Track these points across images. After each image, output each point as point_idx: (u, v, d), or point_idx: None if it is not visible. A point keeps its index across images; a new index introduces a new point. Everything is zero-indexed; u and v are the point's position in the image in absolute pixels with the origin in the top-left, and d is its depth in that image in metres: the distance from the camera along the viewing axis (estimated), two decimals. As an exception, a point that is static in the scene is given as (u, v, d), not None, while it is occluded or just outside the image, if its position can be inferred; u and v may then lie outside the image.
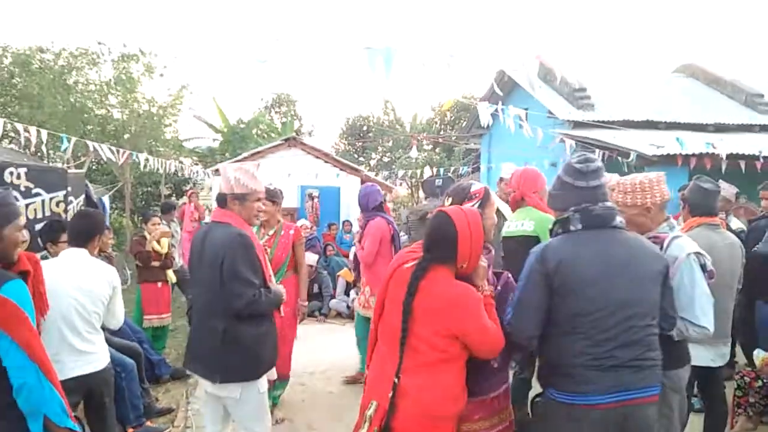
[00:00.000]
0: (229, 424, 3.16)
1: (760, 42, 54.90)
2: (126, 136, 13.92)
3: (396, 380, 2.24)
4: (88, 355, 3.06)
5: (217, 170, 12.63)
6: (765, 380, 3.95)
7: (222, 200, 2.98)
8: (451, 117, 27.04)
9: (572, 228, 2.25)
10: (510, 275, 2.63)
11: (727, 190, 5.04)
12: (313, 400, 4.87)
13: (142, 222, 6.74)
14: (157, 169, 11.94)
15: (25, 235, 2.24)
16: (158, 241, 6.01)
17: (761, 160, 8.45)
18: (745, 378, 4.02)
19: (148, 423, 4.27)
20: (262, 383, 2.95)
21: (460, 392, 2.28)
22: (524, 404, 3.82)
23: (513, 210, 4.10)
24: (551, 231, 2.36)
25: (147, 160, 10.38)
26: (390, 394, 2.22)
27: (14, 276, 2.03)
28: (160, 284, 5.87)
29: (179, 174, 14.84)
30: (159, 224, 6.22)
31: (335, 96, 55.96)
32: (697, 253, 2.60)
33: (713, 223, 3.42)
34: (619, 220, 2.29)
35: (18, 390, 1.97)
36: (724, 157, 8.07)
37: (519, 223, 3.82)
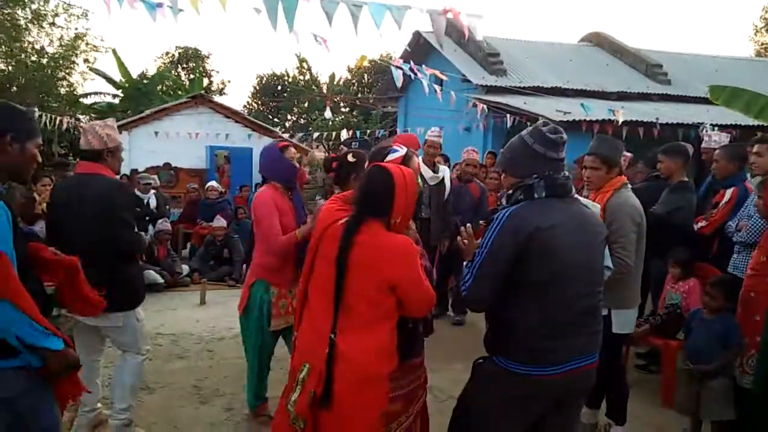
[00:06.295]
0: (102, 354, 3.56)
1: (660, 16, 58.24)
2: (13, 89, 12.72)
3: (332, 339, 2.19)
4: None
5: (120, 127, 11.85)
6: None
7: (96, 155, 3.19)
8: (368, 79, 26.76)
9: (536, 195, 2.19)
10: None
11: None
12: (221, 366, 4.73)
13: (32, 182, 6.20)
14: (48, 126, 11.02)
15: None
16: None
17: (657, 127, 8.97)
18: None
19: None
20: (139, 312, 3.35)
21: (393, 352, 2.29)
22: None
23: None
24: (509, 197, 2.28)
25: (34, 113, 9.52)
26: (326, 355, 2.19)
27: None
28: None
29: (75, 132, 13.80)
30: (50, 185, 5.75)
31: (247, 52, 53.85)
32: None
33: None
34: (574, 190, 2.30)
35: None
36: (620, 123, 8.47)
37: None
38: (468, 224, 2.57)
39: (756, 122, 6.13)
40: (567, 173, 2.28)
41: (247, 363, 3.67)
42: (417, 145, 4.00)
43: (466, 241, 2.45)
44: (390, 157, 2.56)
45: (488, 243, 2.15)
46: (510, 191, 2.29)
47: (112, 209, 3.10)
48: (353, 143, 14.60)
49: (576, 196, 2.41)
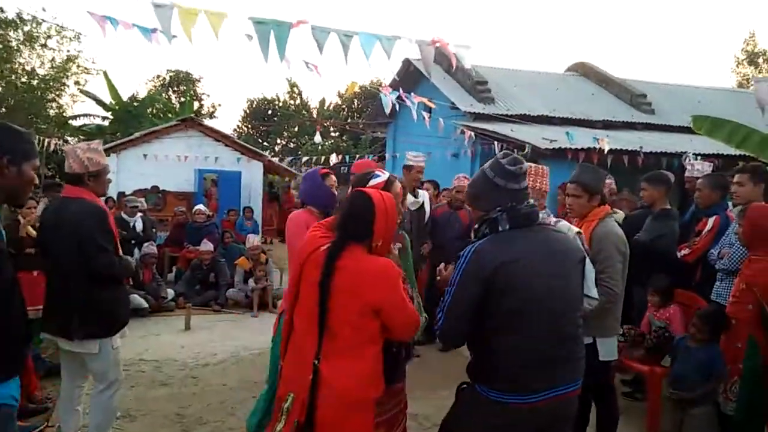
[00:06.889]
0: (86, 380, 3.49)
1: (644, 46, 59.56)
2: (2, 110, 12.69)
3: (315, 365, 2.18)
4: None
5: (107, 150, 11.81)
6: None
7: (77, 178, 3.20)
8: (358, 105, 26.99)
9: (500, 228, 2.20)
10: None
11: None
12: (205, 394, 4.66)
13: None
14: (36, 147, 10.97)
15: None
16: (34, 226, 5.51)
17: (642, 155, 9.11)
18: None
19: (19, 423, 3.90)
20: (116, 340, 3.30)
21: (379, 377, 2.28)
22: None
23: None
24: (476, 231, 2.31)
25: (32, 134, 9.51)
26: (309, 382, 2.17)
27: None
28: (36, 273, 5.38)
29: (63, 154, 13.75)
30: (35, 207, 5.71)
31: (238, 76, 54.13)
32: (578, 233, 2.90)
33: None
34: (541, 217, 2.31)
35: None
36: (606, 152, 8.61)
37: None
38: (441, 265, 2.63)
39: (738, 152, 6.25)
40: (531, 201, 2.29)
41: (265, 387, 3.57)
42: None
43: (439, 278, 2.50)
44: (372, 182, 2.60)
45: (456, 280, 2.18)
46: (476, 225, 2.32)
47: (83, 232, 3.09)
48: (342, 168, 14.65)
49: (546, 221, 2.44)
